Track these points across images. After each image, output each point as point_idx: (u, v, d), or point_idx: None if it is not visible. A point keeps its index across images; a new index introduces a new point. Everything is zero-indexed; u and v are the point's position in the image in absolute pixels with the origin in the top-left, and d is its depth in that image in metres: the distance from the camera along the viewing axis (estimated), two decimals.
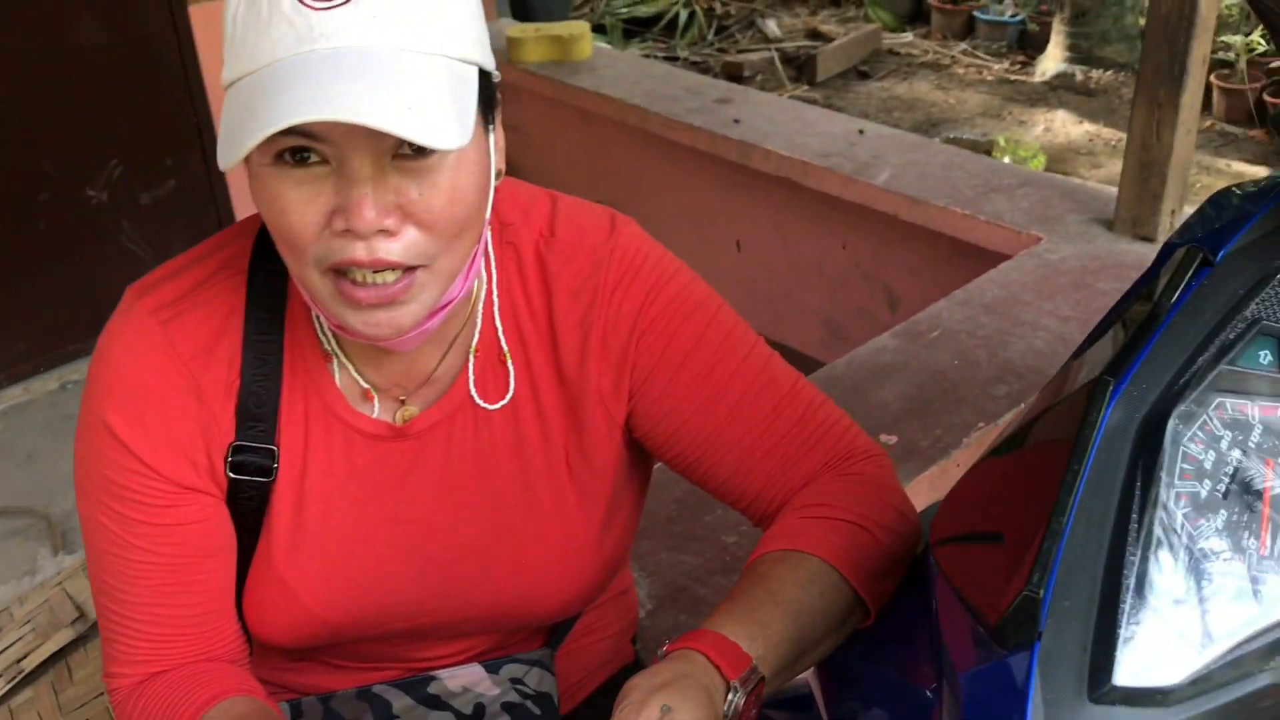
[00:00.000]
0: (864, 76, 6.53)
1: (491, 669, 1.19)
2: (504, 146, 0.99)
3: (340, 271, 0.89)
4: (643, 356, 1.07)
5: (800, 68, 6.45)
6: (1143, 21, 6.32)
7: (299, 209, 0.86)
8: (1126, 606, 0.65)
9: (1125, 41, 6.32)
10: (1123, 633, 0.64)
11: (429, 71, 0.84)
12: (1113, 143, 5.64)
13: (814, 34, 6.88)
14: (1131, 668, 0.63)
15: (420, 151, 0.86)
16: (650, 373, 1.07)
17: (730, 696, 0.89)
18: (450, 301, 0.96)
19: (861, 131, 3.38)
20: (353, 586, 1.07)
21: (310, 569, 1.06)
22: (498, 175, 0.98)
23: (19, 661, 2.30)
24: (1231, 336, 0.73)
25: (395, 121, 0.80)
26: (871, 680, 0.97)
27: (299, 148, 0.85)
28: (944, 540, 0.86)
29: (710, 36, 6.88)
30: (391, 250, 0.87)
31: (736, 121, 3.46)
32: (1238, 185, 0.88)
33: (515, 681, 1.19)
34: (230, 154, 0.82)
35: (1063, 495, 0.68)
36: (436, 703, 1.17)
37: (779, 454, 1.09)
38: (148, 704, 1.04)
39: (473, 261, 0.97)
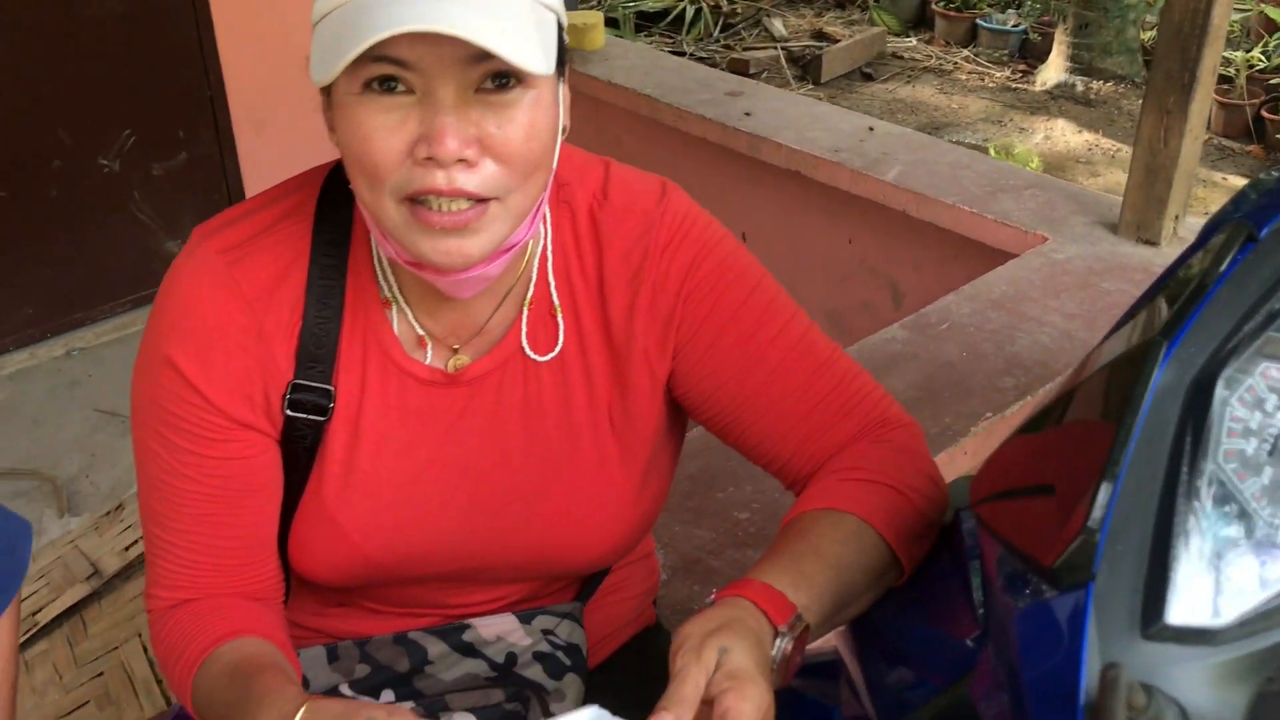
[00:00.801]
0: (868, 78, 6.58)
1: (524, 619, 1.22)
2: (570, 104, 1.02)
3: (416, 200, 0.92)
4: (688, 317, 1.10)
5: (805, 67, 6.50)
6: (1145, 35, 6.39)
7: (383, 136, 0.90)
8: (1178, 551, 0.68)
9: (1127, 54, 6.38)
10: (1174, 575, 0.68)
11: (516, 3, 0.89)
12: (1111, 153, 5.69)
13: (819, 35, 6.93)
14: (1183, 608, 0.67)
15: (502, 87, 0.90)
16: (694, 333, 1.10)
17: (778, 642, 0.92)
18: (515, 244, 0.99)
19: (871, 129, 3.42)
20: (400, 526, 1.11)
21: (360, 507, 1.09)
22: (563, 130, 1.01)
23: (34, 614, 2.33)
24: (1278, 306, 0.76)
25: (491, 39, 0.84)
26: (908, 635, 1.00)
27: (387, 76, 0.88)
28: (986, 499, 0.89)
29: (716, 33, 6.92)
30: (469, 181, 0.90)
31: (747, 114, 3.50)
32: (1277, 168, 0.92)
33: (546, 632, 1.22)
34: (329, 68, 0.87)
35: (1116, 448, 0.72)
36: (470, 650, 1.20)
37: (814, 419, 1.12)
38: (172, 628, 1.08)
39: (538, 209, 1.00)
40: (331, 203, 1.07)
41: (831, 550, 1.01)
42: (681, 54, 6.41)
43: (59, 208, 3.62)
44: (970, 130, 5.92)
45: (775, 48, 6.64)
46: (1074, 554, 0.70)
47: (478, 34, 0.84)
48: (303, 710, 0.90)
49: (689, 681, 0.86)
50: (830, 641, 1.26)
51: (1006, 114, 6.16)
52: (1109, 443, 0.72)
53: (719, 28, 6.97)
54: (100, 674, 2.33)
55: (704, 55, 6.56)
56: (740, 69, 6.21)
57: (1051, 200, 3.05)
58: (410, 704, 1.17)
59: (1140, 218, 2.85)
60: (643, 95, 3.69)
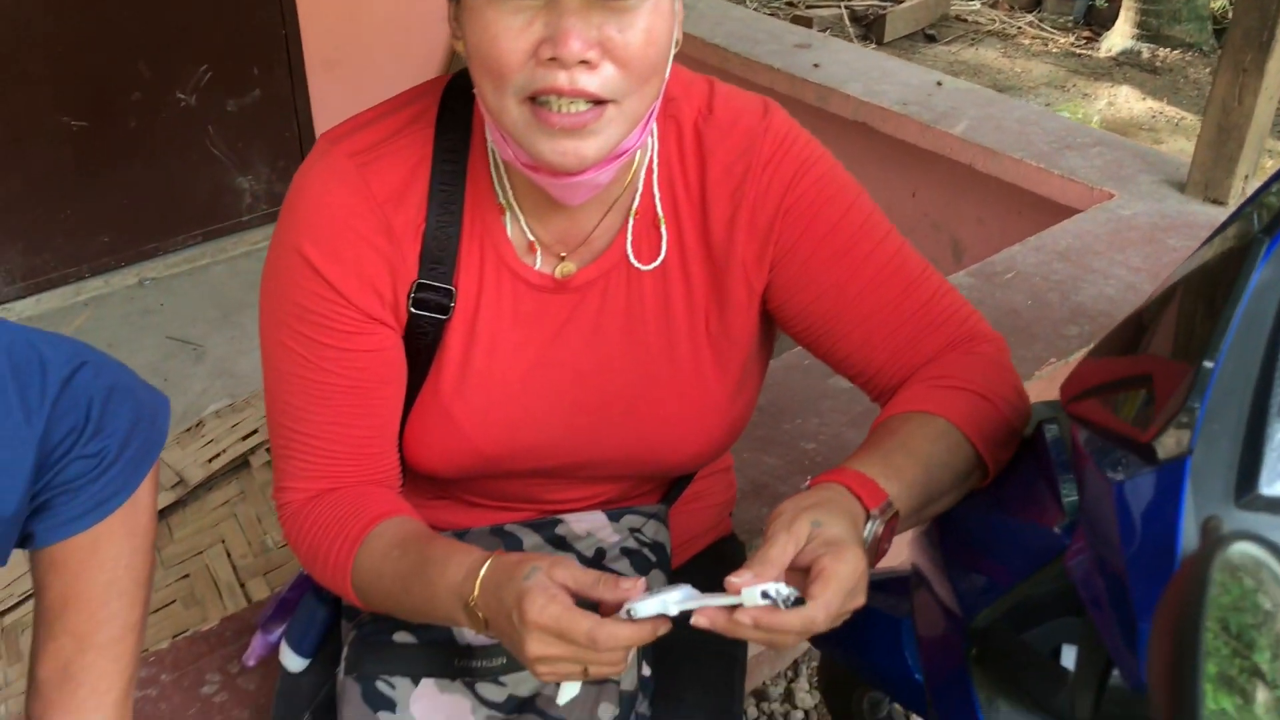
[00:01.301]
0: (930, 40, 6.54)
1: (613, 517, 1.28)
2: (683, 19, 1.06)
3: (537, 102, 0.97)
4: (787, 231, 1.14)
5: (868, 27, 6.47)
6: (1215, 3, 6.29)
7: (510, 37, 0.94)
8: (1273, 429, 0.72)
9: (1196, 21, 6.30)
10: (1268, 450, 0.72)
11: None
12: (1175, 120, 5.64)
13: None
14: (1276, 479, 0.71)
15: None
16: (792, 247, 1.15)
17: (869, 525, 0.98)
18: (626, 150, 1.03)
19: (939, 84, 3.42)
20: (509, 422, 1.16)
21: (473, 403, 1.15)
22: (676, 44, 1.05)
23: None
24: None
25: None
26: (994, 527, 1.05)
27: None
28: (1077, 396, 0.94)
29: None
30: (590, 82, 0.95)
31: (816, 66, 3.51)
32: None
33: (634, 530, 1.28)
34: None
35: (1216, 335, 0.76)
36: (562, 543, 1.26)
37: (905, 332, 1.17)
38: (319, 516, 1.13)
39: (649, 117, 1.04)
40: (451, 111, 1.11)
41: (920, 448, 1.06)
42: None
43: (137, 139, 3.70)
44: (1033, 95, 5.88)
45: (838, 6, 6.60)
46: (1172, 431, 0.74)
47: None
48: (488, 563, 0.98)
49: (775, 545, 0.92)
50: (903, 561, 1.32)
51: (1070, 79, 6.11)
52: (1209, 331, 0.76)
53: None
54: (186, 576, 2.43)
55: (768, 12, 6.53)
56: (802, 26, 6.19)
57: (1119, 158, 3.05)
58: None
59: (1209, 177, 2.84)
60: (711, 45, 3.71)
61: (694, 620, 0.90)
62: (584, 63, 0.94)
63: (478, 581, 0.97)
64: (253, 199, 4.02)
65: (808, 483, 1.02)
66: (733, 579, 0.89)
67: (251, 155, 3.97)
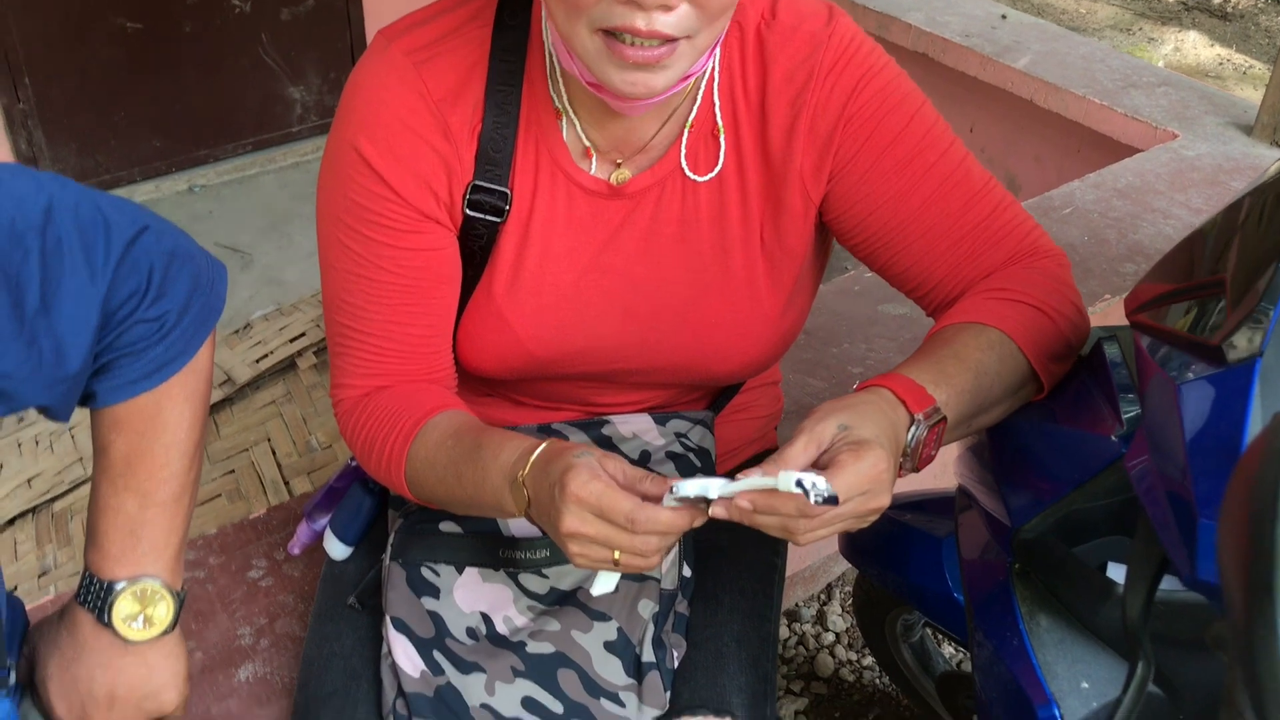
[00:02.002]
0: None
1: (660, 421, 1.28)
2: None
3: (609, 33, 0.94)
4: (847, 141, 1.12)
5: None
6: None
7: None
8: None
9: None
10: None
11: None
12: (1243, 69, 5.50)
13: None
14: None
15: None
16: (852, 157, 1.13)
17: (913, 429, 0.97)
18: (692, 75, 1.01)
19: (1004, 16, 3.35)
20: (560, 326, 1.16)
21: (526, 305, 1.15)
22: None
23: None
24: None
25: None
26: (1048, 435, 1.04)
27: None
28: (1142, 307, 0.92)
29: None
30: (667, 23, 0.92)
31: None
32: None
33: (679, 435, 1.28)
34: None
35: None
36: (608, 444, 1.26)
37: (965, 245, 1.15)
38: (374, 411, 1.13)
39: (716, 44, 1.02)
40: (509, 9, 1.09)
41: (972, 357, 1.05)
42: None
43: (191, 45, 3.71)
44: (1097, 36, 5.75)
45: None
46: (1243, 333, 0.73)
47: None
48: (544, 444, 0.98)
49: (795, 444, 0.91)
50: (945, 483, 1.31)
51: (1136, 22, 5.96)
52: None
53: None
54: (231, 471, 2.47)
55: None
56: None
57: (1184, 99, 2.98)
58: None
59: (1278, 120, 2.77)
60: None
61: (712, 510, 0.89)
62: (662, 5, 0.91)
63: (530, 460, 0.97)
64: (303, 110, 4.02)
65: (855, 387, 1.01)
66: (740, 476, 0.88)
67: (304, 65, 3.97)
